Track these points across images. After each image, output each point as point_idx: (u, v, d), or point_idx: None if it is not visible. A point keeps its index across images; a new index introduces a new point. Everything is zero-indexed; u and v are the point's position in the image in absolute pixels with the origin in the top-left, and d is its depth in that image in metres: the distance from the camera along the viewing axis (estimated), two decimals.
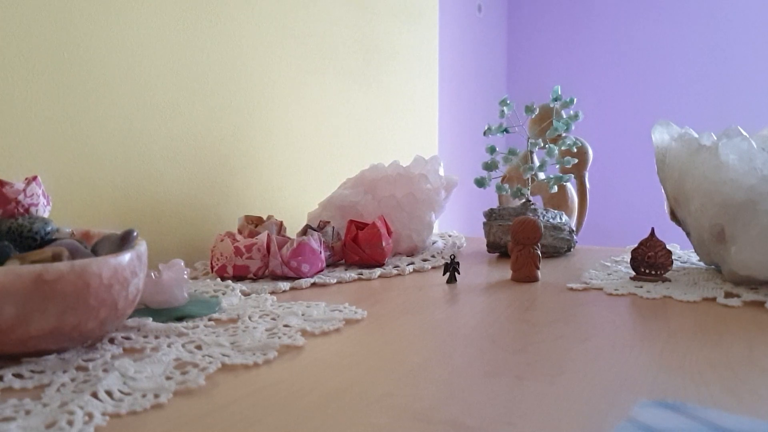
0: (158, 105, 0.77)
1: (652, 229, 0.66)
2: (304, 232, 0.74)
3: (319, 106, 1.06)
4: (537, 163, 0.92)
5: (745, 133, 0.63)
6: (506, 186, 0.87)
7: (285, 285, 0.63)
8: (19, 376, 0.37)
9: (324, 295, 0.61)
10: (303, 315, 0.51)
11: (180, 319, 0.50)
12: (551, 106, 0.88)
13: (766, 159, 0.60)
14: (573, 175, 0.97)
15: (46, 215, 0.48)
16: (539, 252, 0.68)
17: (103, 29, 0.70)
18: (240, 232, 0.74)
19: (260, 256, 0.66)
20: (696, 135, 0.70)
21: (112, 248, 0.44)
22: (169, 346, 0.42)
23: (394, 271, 0.72)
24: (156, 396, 0.34)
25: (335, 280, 0.67)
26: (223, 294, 0.58)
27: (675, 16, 2.11)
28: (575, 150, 0.98)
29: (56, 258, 0.39)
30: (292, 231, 0.95)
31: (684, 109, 2.10)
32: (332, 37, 1.09)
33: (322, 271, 0.70)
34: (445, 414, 0.32)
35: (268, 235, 0.67)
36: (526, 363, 0.40)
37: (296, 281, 0.65)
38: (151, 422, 0.31)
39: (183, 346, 0.43)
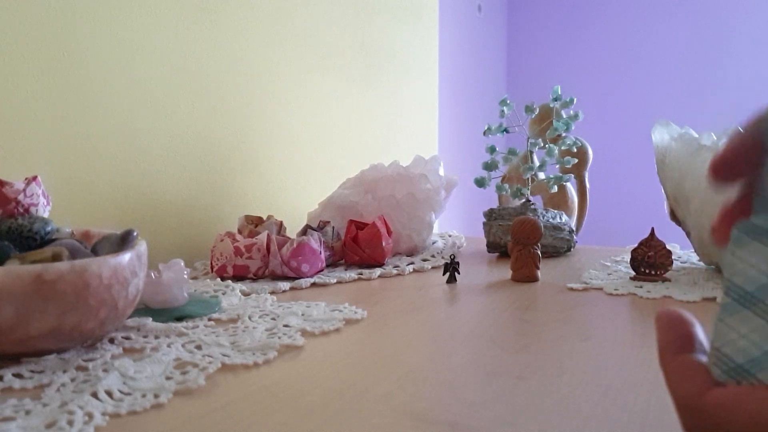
0: (158, 105, 0.77)
1: (652, 229, 0.66)
2: (304, 232, 0.74)
3: (319, 106, 1.06)
4: (537, 163, 0.92)
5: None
6: (506, 186, 0.87)
7: (285, 285, 0.63)
8: (19, 376, 0.37)
9: (324, 295, 0.61)
10: (303, 315, 0.51)
11: (180, 319, 0.50)
12: (551, 106, 0.88)
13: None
14: (573, 175, 0.97)
15: (46, 215, 0.48)
16: (539, 252, 0.68)
17: (103, 29, 0.70)
18: (240, 232, 0.74)
19: (260, 256, 0.66)
20: (696, 135, 0.70)
21: (112, 248, 0.44)
22: (169, 346, 0.42)
23: (394, 271, 0.72)
24: (156, 396, 0.34)
25: (335, 280, 0.67)
26: (223, 294, 0.58)
27: (675, 16, 2.11)
28: (575, 150, 0.98)
29: (56, 258, 0.39)
30: (292, 231, 0.95)
31: (684, 109, 2.10)
32: (332, 37, 1.09)
33: (322, 271, 0.70)
34: (445, 414, 0.32)
35: (268, 235, 0.67)
36: (526, 363, 0.40)
37: (296, 281, 0.65)
38: (151, 422, 0.31)
39: (183, 346, 0.43)
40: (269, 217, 0.77)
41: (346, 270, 0.73)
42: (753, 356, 0.22)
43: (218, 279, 0.64)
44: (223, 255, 0.66)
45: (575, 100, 0.87)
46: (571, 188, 1.01)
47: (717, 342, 0.23)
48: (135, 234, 0.44)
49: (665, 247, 0.65)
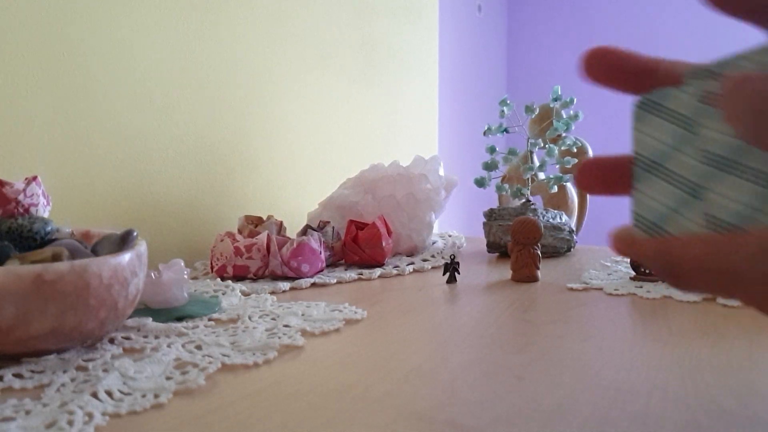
0: (158, 105, 0.77)
1: None
2: (304, 232, 0.74)
3: (319, 106, 1.06)
4: (537, 163, 0.92)
5: None
6: (506, 186, 0.87)
7: (285, 285, 0.63)
8: (19, 376, 0.37)
9: (324, 295, 0.61)
10: (303, 315, 0.51)
11: (180, 319, 0.50)
12: (551, 106, 0.88)
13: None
14: (573, 175, 0.97)
15: (46, 215, 0.48)
16: (539, 252, 0.68)
17: (103, 29, 0.70)
18: (240, 232, 0.74)
19: (260, 256, 0.66)
20: None
21: (112, 248, 0.44)
22: (169, 346, 0.42)
23: (394, 271, 0.72)
24: (156, 396, 0.34)
25: (335, 280, 0.67)
26: (223, 294, 0.58)
27: (675, 16, 2.11)
28: (575, 150, 0.98)
29: (56, 258, 0.39)
30: (292, 231, 0.95)
31: None
32: (332, 37, 1.09)
33: (322, 271, 0.70)
34: (445, 414, 0.32)
35: (268, 235, 0.67)
36: (526, 363, 0.40)
37: (296, 281, 0.65)
38: (151, 422, 0.31)
39: (183, 346, 0.43)
40: (269, 217, 0.77)
41: (346, 270, 0.73)
42: (661, 213, 0.25)
43: (218, 279, 0.64)
44: (223, 255, 0.66)
45: (575, 100, 0.87)
46: (571, 188, 1.01)
47: (634, 207, 0.27)
48: (135, 234, 0.44)
49: None
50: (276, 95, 0.96)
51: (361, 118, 1.18)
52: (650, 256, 0.26)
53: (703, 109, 0.25)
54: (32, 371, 0.37)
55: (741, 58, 0.25)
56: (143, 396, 0.34)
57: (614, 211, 2.20)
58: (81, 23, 0.67)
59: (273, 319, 0.50)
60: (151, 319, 0.48)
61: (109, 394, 0.34)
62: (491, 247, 0.85)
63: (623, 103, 2.20)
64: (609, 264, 0.76)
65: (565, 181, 0.87)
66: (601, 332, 0.47)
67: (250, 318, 0.50)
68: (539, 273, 0.68)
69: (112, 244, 0.44)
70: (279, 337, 0.44)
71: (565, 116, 0.88)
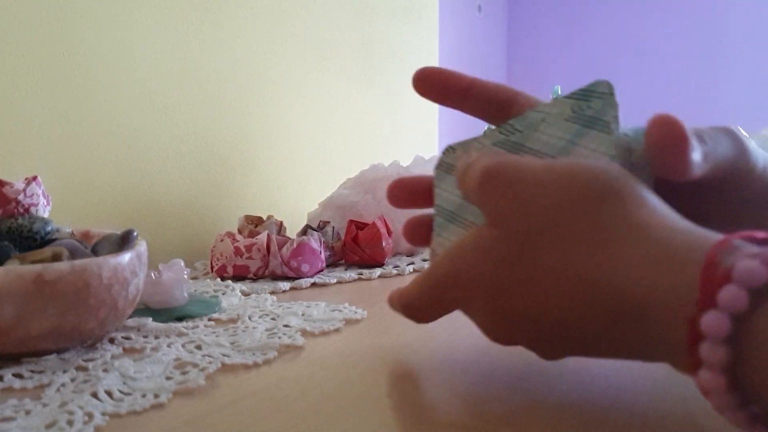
0: (158, 105, 0.77)
1: None
2: (304, 232, 0.74)
3: (319, 106, 1.06)
4: None
5: (745, 134, 0.63)
6: None
7: (285, 285, 0.63)
8: (19, 376, 0.37)
9: (324, 295, 0.61)
10: (303, 315, 0.51)
11: (180, 319, 0.50)
12: None
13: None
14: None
15: (46, 215, 0.48)
16: None
17: (103, 29, 0.70)
18: (240, 232, 0.74)
19: (260, 256, 0.66)
20: None
21: (112, 248, 0.44)
22: (169, 346, 0.42)
23: (394, 271, 0.72)
24: (156, 396, 0.34)
25: (335, 280, 0.67)
26: (223, 294, 0.58)
27: (675, 16, 2.11)
28: None
29: (56, 258, 0.39)
30: (292, 231, 0.95)
31: (683, 108, 2.10)
32: (332, 37, 1.09)
33: (322, 271, 0.70)
34: (445, 414, 0.32)
35: (268, 235, 0.67)
36: (526, 363, 0.40)
37: (296, 281, 0.65)
38: (151, 422, 0.31)
39: (183, 346, 0.43)
40: (269, 217, 0.77)
41: (346, 270, 0.73)
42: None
43: (218, 279, 0.64)
44: (223, 255, 0.66)
45: None
46: None
47: (435, 248, 0.35)
48: (135, 234, 0.44)
49: None
50: (276, 95, 0.96)
51: (361, 118, 1.18)
52: (395, 304, 0.35)
53: (449, 176, 0.35)
54: (32, 371, 0.37)
55: (473, 140, 0.34)
56: (143, 396, 0.34)
57: None
58: (81, 23, 0.68)
59: (273, 319, 0.50)
60: (151, 319, 0.48)
61: (109, 394, 0.34)
62: None
63: (623, 103, 2.20)
64: None
65: None
66: None
67: (250, 318, 0.50)
68: None
69: (112, 244, 0.44)
70: (279, 337, 0.44)
71: None
